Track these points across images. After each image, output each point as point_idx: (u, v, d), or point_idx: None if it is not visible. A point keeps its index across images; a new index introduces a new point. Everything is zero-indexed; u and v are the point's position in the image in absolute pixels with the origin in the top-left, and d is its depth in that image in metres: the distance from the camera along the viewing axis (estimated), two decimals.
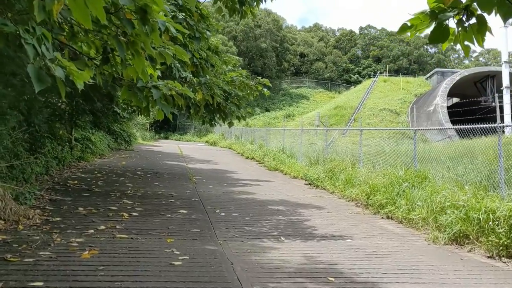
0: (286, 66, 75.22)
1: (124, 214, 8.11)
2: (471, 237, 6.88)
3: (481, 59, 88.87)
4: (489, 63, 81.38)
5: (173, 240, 6.54)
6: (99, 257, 5.46)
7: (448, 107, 41.33)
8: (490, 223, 6.48)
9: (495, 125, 7.87)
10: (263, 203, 10.41)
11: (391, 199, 9.64)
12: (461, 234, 7.07)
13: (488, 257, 6.41)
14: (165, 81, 5.66)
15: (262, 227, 7.82)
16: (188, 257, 5.67)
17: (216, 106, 8.52)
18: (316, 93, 73.13)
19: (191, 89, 7.03)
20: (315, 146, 21.19)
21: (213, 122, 12.58)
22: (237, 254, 6.04)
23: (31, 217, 7.22)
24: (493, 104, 40.47)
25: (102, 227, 7.00)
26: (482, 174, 9.08)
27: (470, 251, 6.76)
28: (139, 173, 14.89)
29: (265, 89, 9.26)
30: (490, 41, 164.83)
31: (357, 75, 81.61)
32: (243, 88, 9.06)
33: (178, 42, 6.70)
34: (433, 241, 7.34)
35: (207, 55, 8.08)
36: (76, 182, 11.60)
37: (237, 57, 11.49)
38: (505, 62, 28.45)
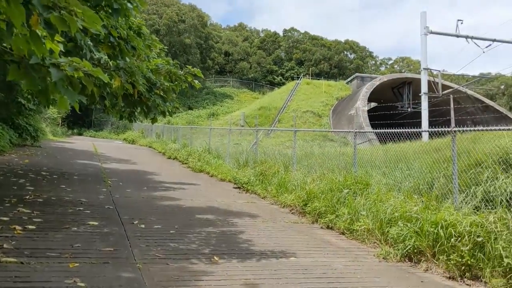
0: (210, 64, 73.69)
1: (17, 227, 6.47)
2: (427, 254, 6.16)
3: (396, 66, 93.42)
4: (403, 70, 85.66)
5: (77, 264, 5.10)
6: None
7: (367, 111, 42.41)
8: (452, 239, 5.76)
9: (449, 129, 7.26)
10: (190, 211, 9.14)
11: (331, 207, 8.83)
12: (415, 250, 6.35)
13: (449, 278, 5.70)
14: (69, 58, 4.25)
15: (191, 243, 6.58)
16: None
17: (137, 97, 7.13)
18: (240, 93, 72.46)
19: (107, 74, 5.63)
20: (242, 147, 20.21)
21: (132, 118, 11.06)
22: (161, 283, 4.76)
23: None
24: (409, 109, 42.01)
25: None
26: (425, 181, 8.54)
27: (427, 270, 6.02)
28: (44, 173, 12.93)
29: (196, 81, 8.02)
30: (403, 49, 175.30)
31: (281, 77, 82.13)
32: (170, 78, 7.75)
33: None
34: (384, 258, 6.54)
35: (128, 35, 6.69)
36: None
37: (163, 45, 10.08)
38: (424, 69, 29.26)
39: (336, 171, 10.56)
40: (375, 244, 7.26)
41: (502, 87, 72.19)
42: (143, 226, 7.41)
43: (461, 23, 28.77)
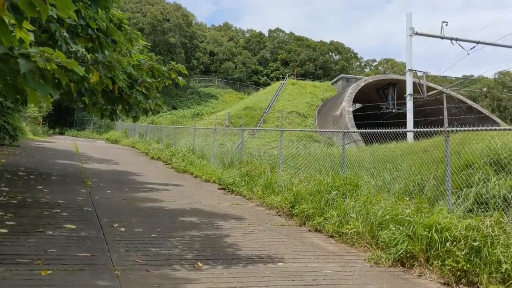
0: (195, 63, 73.00)
1: None
2: (420, 259, 5.92)
3: (380, 68, 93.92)
4: (387, 72, 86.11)
5: (50, 272, 4.74)
6: None
7: (352, 112, 42.40)
8: (447, 243, 5.53)
9: (442, 129, 7.05)
10: (173, 214, 8.79)
11: (319, 209, 8.56)
12: (408, 255, 6.10)
13: (444, 284, 5.46)
14: (40, 48, 3.89)
15: (173, 248, 6.24)
16: None
17: (118, 94, 6.76)
18: (225, 93, 72.04)
19: (84, 68, 5.26)
20: (227, 147, 19.89)
21: (114, 116, 10.65)
22: None
23: None
24: (394, 110, 42.07)
25: None
26: (415, 183, 8.33)
27: (421, 276, 5.78)
28: (21, 173, 12.43)
29: (180, 78, 7.67)
30: (387, 51, 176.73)
31: (266, 77, 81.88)
32: (152, 75, 7.38)
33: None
34: (375, 263, 6.28)
35: (108, 27, 6.32)
36: None
37: (146, 41, 9.69)
38: (409, 70, 29.25)
39: (324, 172, 10.30)
40: (365, 248, 7.01)
41: (485, 89, 73.18)
42: (123, 229, 7.04)
43: (446, 25, 28.86)
